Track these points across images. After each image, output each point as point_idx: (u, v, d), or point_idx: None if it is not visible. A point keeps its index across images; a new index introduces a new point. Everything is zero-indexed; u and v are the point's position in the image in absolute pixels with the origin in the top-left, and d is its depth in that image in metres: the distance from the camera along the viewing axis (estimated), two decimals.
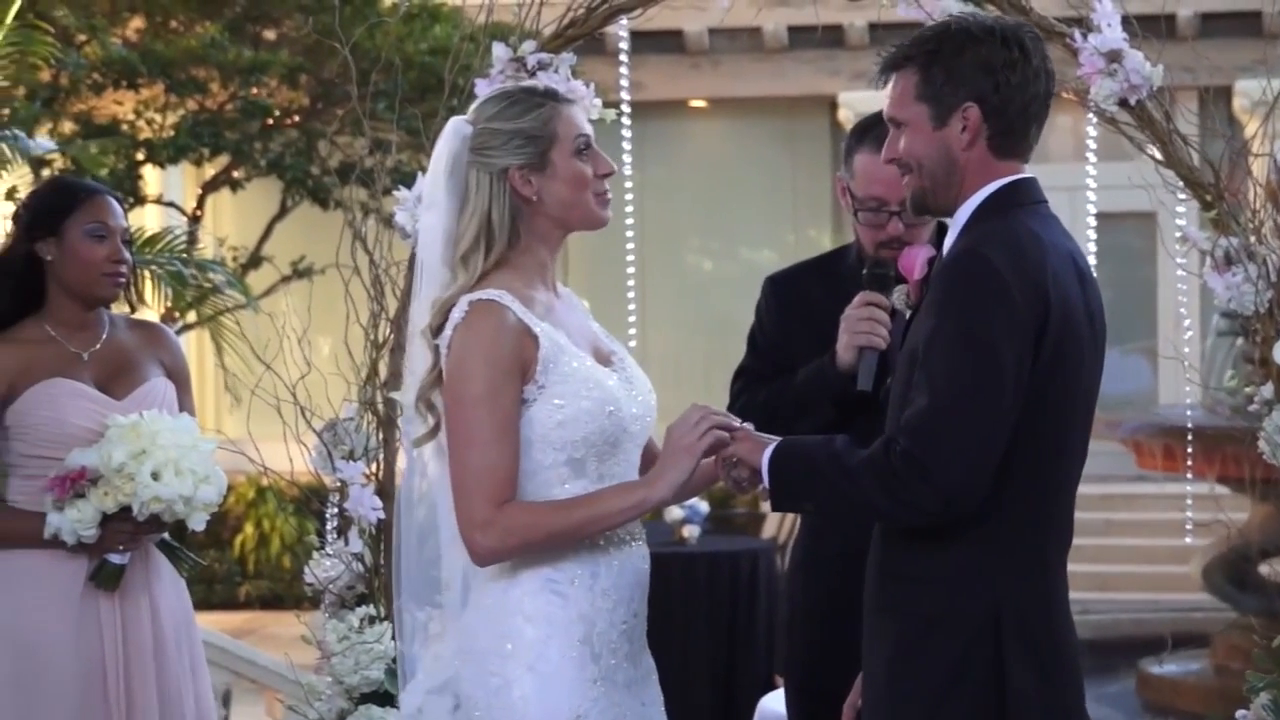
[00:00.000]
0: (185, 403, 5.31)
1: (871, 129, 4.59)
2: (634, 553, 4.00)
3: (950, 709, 3.66)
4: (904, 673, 3.71)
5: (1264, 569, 9.45)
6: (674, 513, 10.64)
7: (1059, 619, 3.77)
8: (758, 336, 4.96)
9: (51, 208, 5.18)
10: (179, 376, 5.34)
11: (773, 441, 3.76)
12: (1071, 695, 3.78)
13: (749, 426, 3.88)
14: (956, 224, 3.79)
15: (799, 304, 4.88)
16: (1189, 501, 12.53)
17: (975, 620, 3.65)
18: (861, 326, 4.50)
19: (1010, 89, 3.71)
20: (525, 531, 3.83)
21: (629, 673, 3.98)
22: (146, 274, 9.06)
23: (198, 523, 5.02)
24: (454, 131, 3.98)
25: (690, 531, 10.61)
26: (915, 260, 4.14)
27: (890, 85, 3.84)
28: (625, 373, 4.03)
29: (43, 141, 9.77)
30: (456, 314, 3.84)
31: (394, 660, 4.69)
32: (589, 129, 4.04)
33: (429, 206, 4.03)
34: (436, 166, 3.99)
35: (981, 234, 3.70)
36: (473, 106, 4.08)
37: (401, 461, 4.63)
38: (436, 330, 3.89)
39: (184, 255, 9.92)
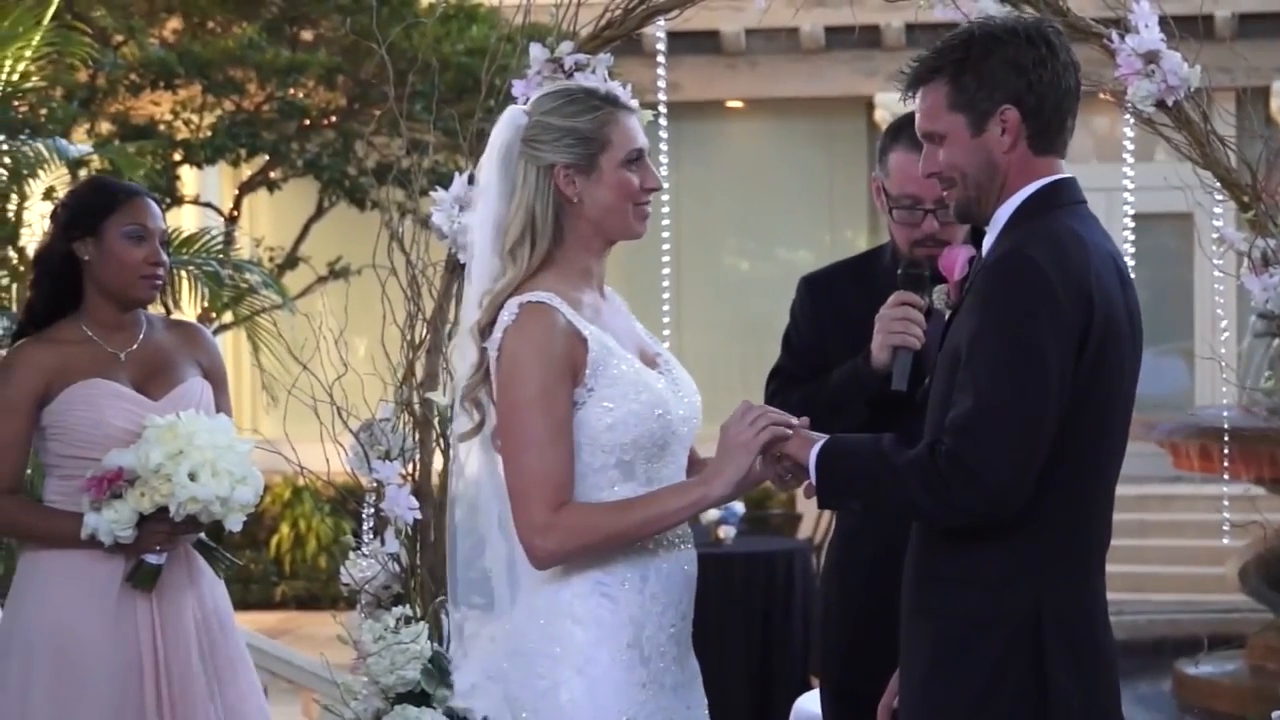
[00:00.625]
0: (222, 403, 5.32)
1: (905, 127, 4.56)
2: (683, 555, 4.01)
3: (991, 711, 3.65)
4: (943, 675, 3.70)
5: None
6: (710, 514, 10.63)
7: (1099, 621, 3.76)
8: (793, 337, 4.95)
9: (91, 208, 5.18)
10: (216, 377, 5.35)
11: (821, 439, 3.76)
12: (1109, 697, 3.78)
13: (804, 422, 3.87)
14: (996, 225, 3.78)
15: (834, 304, 4.87)
16: (1225, 502, 12.47)
17: (1016, 622, 3.65)
18: (896, 326, 4.49)
19: (1044, 85, 3.71)
20: (585, 534, 3.83)
21: (676, 676, 3.98)
22: (183, 274, 9.11)
23: (234, 524, 5.02)
24: (510, 120, 3.97)
25: (726, 532, 10.61)
26: (955, 260, 4.13)
27: (919, 98, 3.82)
28: (671, 375, 4.02)
29: (80, 145, 9.80)
30: (506, 316, 3.83)
31: (430, 660, 4.70)
32: (644, 141, 4.03)
33: (482, 191, 4.02)
34: (491, 153, 3.98)
35: (1025, 234, 3.68)
36: (534, 97, 4.08)
37: (438, 463, 4.65)
38: (485, 330, 3.89)
39: (220, 256, 9.94)
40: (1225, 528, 12.80)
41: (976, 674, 3.66)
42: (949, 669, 3.70)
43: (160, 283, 5.22)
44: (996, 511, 3.57)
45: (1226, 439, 9.32)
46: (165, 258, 5.21)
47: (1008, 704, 3.64)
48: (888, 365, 4.51)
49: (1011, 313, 3.59)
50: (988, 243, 3.80)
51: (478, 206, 4.05)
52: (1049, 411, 3.56)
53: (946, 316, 4.03)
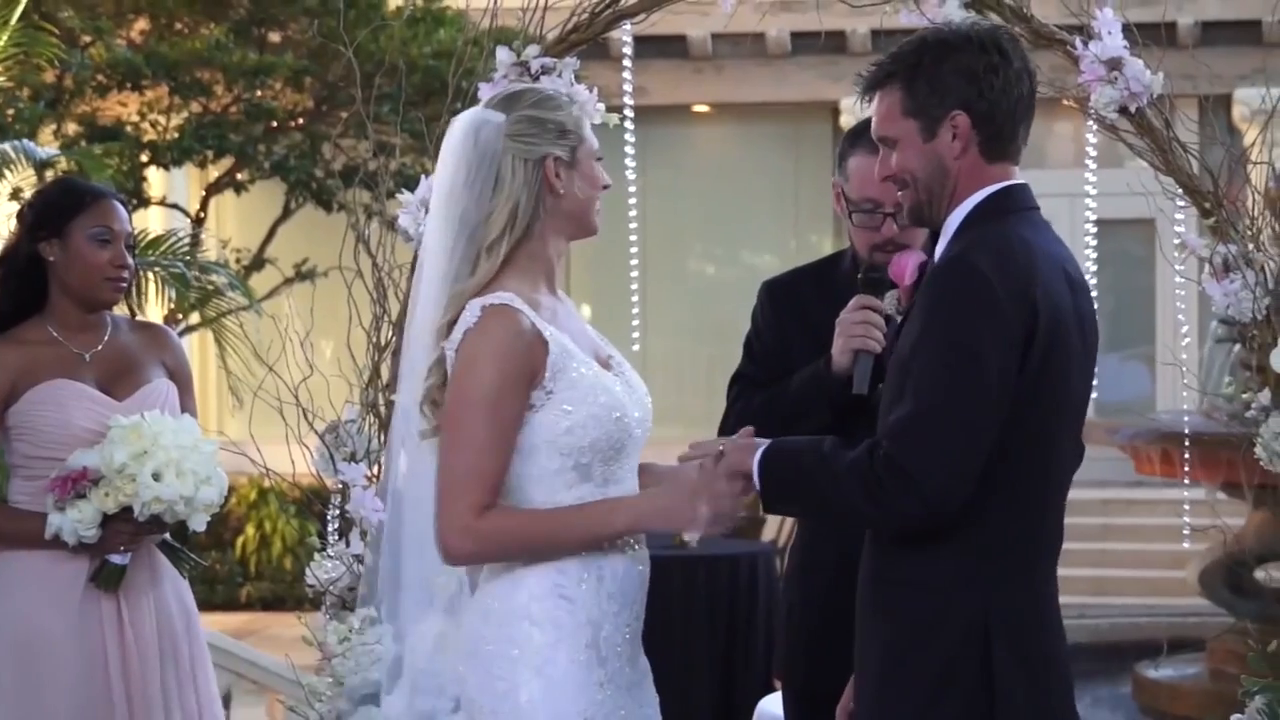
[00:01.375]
0: (187, 404, 5.31)
1: (864, 132, 4.56)
2: (637, 555, 4.01)
3: (940, 712, 3.66)
4: (895, 676, 3.71)
5: (1260, 574, 9.45)
6: None
7: (1049, 624, 3.77)
8: (754, 343, 4.96)
9: (57, 209, 5.18)
10: (181, 377, 5.34)
11: (764, 444, 3.76)
12: (1060, 700, 3.78)
13: (747, 432, 3.88)
14: (947, 231, 3.78)
15: (795, 309, 4.88)
16: (1186, 507, 12.51)
17: (965, 625, 3.65)
18: (856, 330, 4.50)
19: (995, 93, 3.71)
20: (505, 541, 3.85)
21: (629, 675, 3.98)
22: (150, 275, 9.09)
23: (199, 524, 5.02)
24: (484, 119, 3.95)
25: (691, 536, 10.59)
26: (906, 266, 4.15)
27: (875, 103, 3.84)
28: (625, 377, 4.03)
29: (47, 149, 9.78)
30: (469, 316, 3.82)
31: (394, 661, 4.69)
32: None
33: (446, 192, 3.97)
34: (461, 152, 3.95)
35: (971, 241, 3.70)
36: (494, 97, 4.07)
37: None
38: (445, 330, 3.88)
39: (187, 257, 9.92)
40: (1186, 532, 12.82)
41: (926, 677, 3.67)
42: (901, 670, 3.70)
43: (125, 285, 5.22)
44: (933, 515, 3.57)
45: (1188, 444, 9.34)
46: (131, 260, 5.21)
47: (957, 706, 3.65)
48: (848, 369, 4.51)
49: (953, 318, 3.60)
50: (940, 248, 3.80)
51: (435, 206, 4.02)
52: (988, 415, 3.56)
53: (899, 321, 4.04)
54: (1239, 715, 4.87)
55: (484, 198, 3.91)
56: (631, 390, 4.00)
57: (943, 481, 3.54)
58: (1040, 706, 3.70)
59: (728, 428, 4.65)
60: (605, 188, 4.05)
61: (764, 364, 4.87)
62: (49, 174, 8.76)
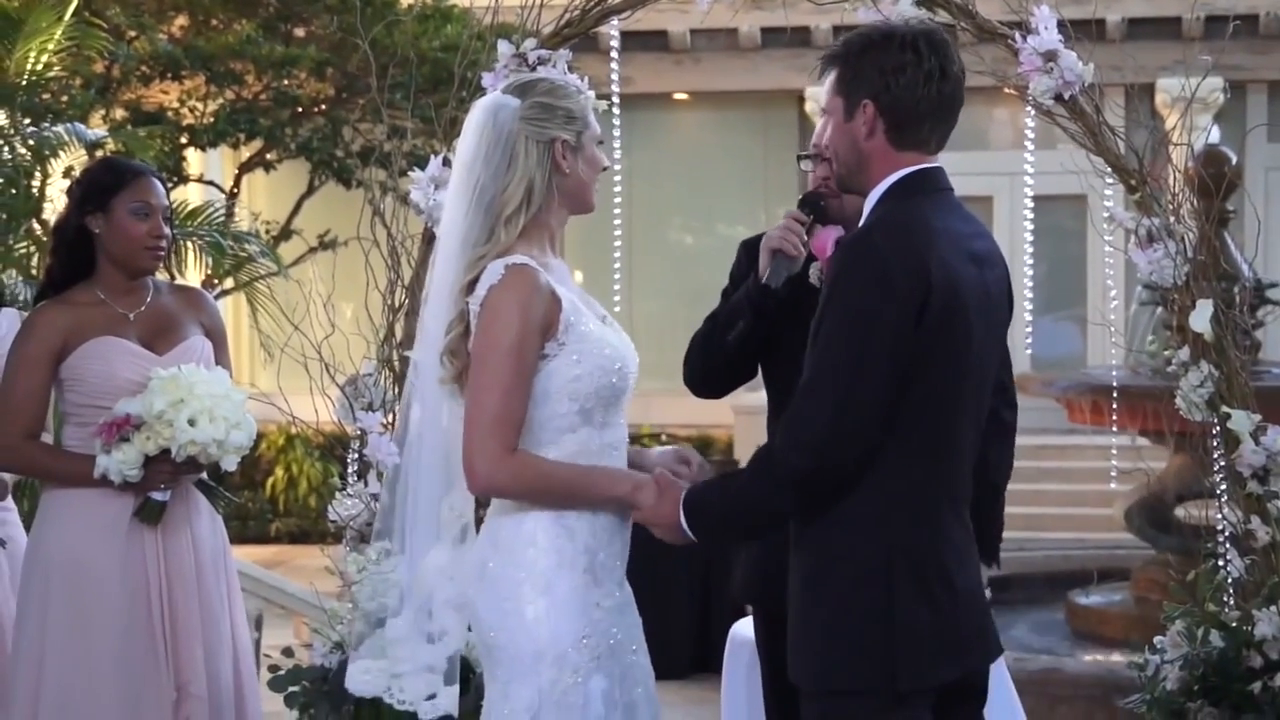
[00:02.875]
0: (222, 359, 5.30)
1: None
2: None
3: (844, 639, 3.67)
4: (810, 601, 3.73)
5: (1179, 512, 9.43)
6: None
7: (951, 561, 3.75)
8: (730, 290, 4.96)
9: (101, 186, 5.17)
10: (216, 335, 5.33)
11: (681, 493, 3.82)
12: (967, 628, 3.78)
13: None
14: (866, 208, 3.82)
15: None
16: (1114, 452, 12.56)
17: (869, 559, 3.65)
18: (776, 233, 4.52)
19: (900, 88, 3.73)
20: (533, 478, 3.85)
21: (619, 597, 3.99)
22: (189, 244, 9.08)
23: (230, 464, 5.02)
24: (503, 103, 3.96)
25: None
26: (827, 240, 4.17)
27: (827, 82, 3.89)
28: (618, 333, 4.04)
29: (96, 130, 9.76)
30: (492, 275, 3.82)
31: None
32: None
33: (465, 165, 3.96)
34: (481, 131, 3.94)
35: (875, 219, 3.75)
36: (512, 84, 4.05)
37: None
38: (468, 288, 3.87)
39: (222, 228, 9.90)
40: (1113, 474, 12.85)
41: (833, 603, 3.68)
42: (814, 597, 3.72)
43: (163, 253, 5.21)
44: (822, 463, 3.59)
45: (1115, 396, 9.35)
46: (168, 231, 5.20)
47: (859, 631, 3.65)
48: (768, 268, 4.52)
49: (850, 288, 3.62)
50: (861, 224, 3.82)
51: (455, 177, 4.00)
52: (878, 375, 3.57)
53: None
54: (1160, 638, 4.88)
55: (499, 172, 3.91)
56: (626, 345, 4.00)
57: (825, 433, 3.57)
58: (944, 633, 3.70)
59: (692, 348, 4.77)
60: (604, 169, 4.06)
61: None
62: (98, 154, 8.72)
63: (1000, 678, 5.00)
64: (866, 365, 3.56)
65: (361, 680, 4.57)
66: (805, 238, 4.56)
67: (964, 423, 3.78)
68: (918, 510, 3.70)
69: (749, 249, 4.96)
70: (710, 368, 4.81)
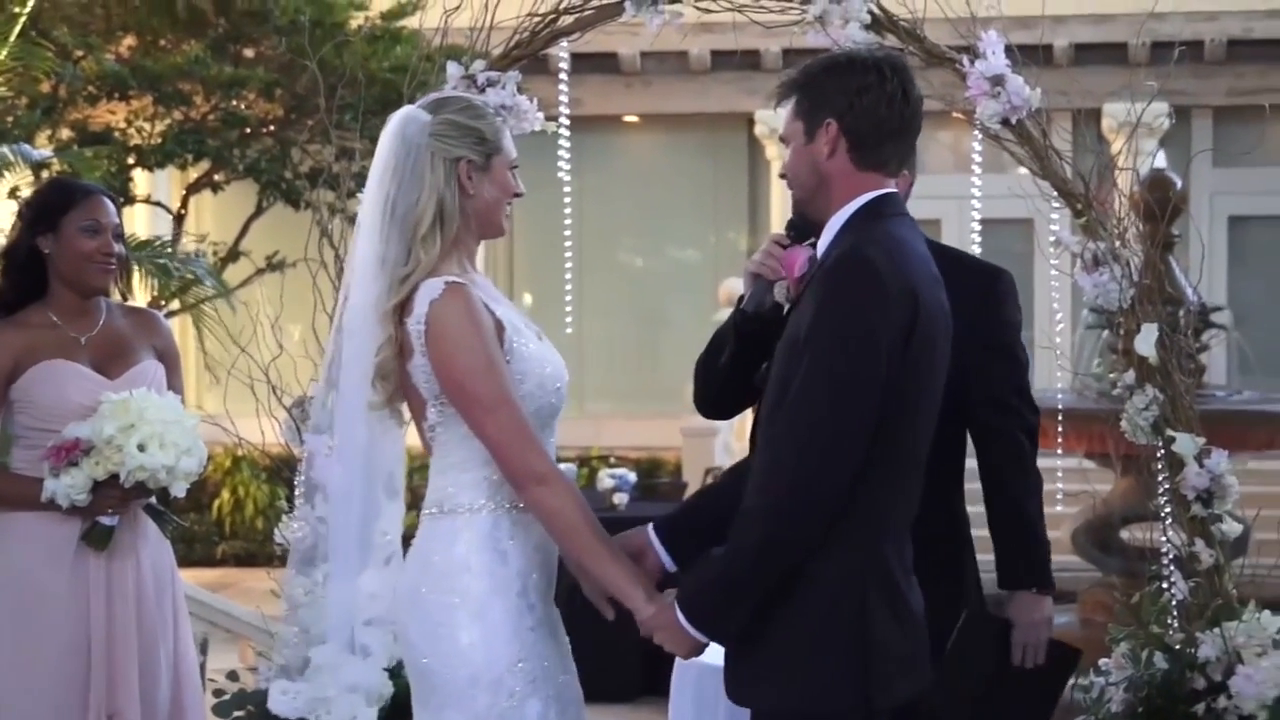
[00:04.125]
0: (174, 382, 5.29)
1: None
2: None
3: (818, 658, 3.64)
4: (778, 623, 3.67)
5: (1125, 534, 9.50)
6: (605, 481, 10.66)
7: (907, 581, 3.76)
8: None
9: (51, 206, 5.16)
10: (169, 358, 5.32)
11: (672, 603, 3.75)
12: (920, 647, 3.79)
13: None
14: (830, 230, 3.81)
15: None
16: (1060, 474, 12.56)
17: (844, 581, 3.63)
18: (757, 257, 4.53)
19: (863, 109, 3.75)
20: (573, 509, 3.82)
21: (551, 618, 3.98)
22: (136, 267, 9.03)
23: (179, 490, 5.00)
24: (413, 117, 3.93)
25: (620, 499, 10.59)
26: (796, 260, 4.18)
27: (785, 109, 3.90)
28: (551, 350, 4.03)
29: (42, 150, 9.71)
30: (430, 293, 3.77)
31: None
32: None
33: (376, 176, 3.92)
34: (389, 142, 3.91)
35: (860, 238, 3.71)
36: (428, 99, 4.03)
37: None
38: (394, 313, 3.83)
39: (169, 250, 9.88)
40: (1059, 496, 12.87)
41: (803, 624, 3.65)
42: (780, 620, 3.67)
43: (114, 269, 5.19)
44: (815, 482, 3.56)
45: (1061, 418, 9.39)
46: (119, 249, 5.19)
47: (832, 653, 3.63)
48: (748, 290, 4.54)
49: (846, 304, 3.60)
50: (822, 246, 3.83)
51: (367, 192, 3.94)
52: (871, 391, 3.55)
53: (786, 309, 4.04)
54: (1106, 659, 4.91)
55: (407, 186, 3.86)
56: (560, 363, 4.00)
57: (817, 453, 3.55)
58: (908, 652, 3.71)
59: (695, 372, 4.68)
60: (517, 195, 4.01)
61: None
62: (44, 174, 8.69)
63: None
64: (861, 385, 3.55)
65: (280, 700, 4.56)
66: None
67: (925, 445, 3.79)
68: (887, 531, 3.70)
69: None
70: (710, 392, 4.80)
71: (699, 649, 3.77)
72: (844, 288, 3.62)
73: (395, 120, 3.94)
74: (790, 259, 4.20)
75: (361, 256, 3.91)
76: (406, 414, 3.97)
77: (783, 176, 4.75)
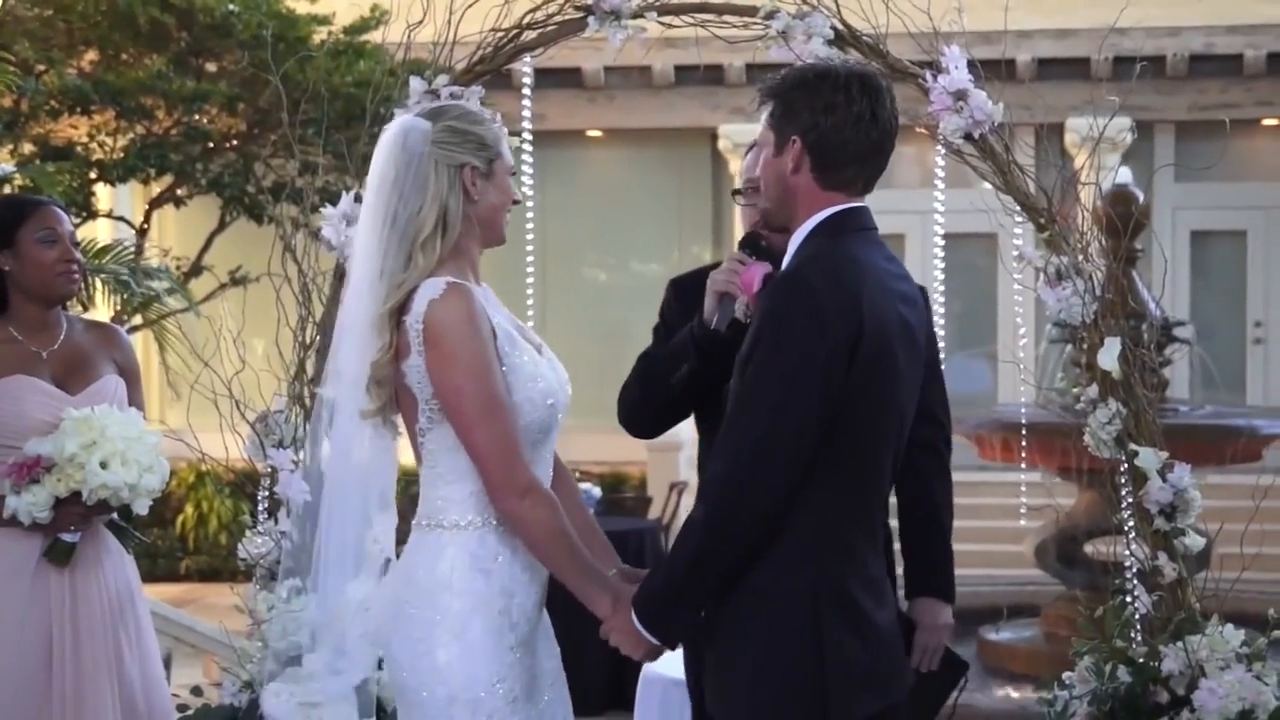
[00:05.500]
0: (135, 397, 5.27)
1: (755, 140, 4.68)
2: None
3: (773, 673, 3.65)
4: (735, 637, 3.70)
5: (1088, 548, 9.53)
6: None
7: (871, 597, 3.77)
8: (661, 329, 4.95)
9: (4, 222, 5.13)
10: (130, 374, 5.30)
11: (628, 606, 3.77)
12: (888, 662, 3.80)
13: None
14: (792, 245, 3.83)
15: (695, 301, 4.88)
16: (1023, 488, 12.63)
17: (795, 596, 3.65)
18: (721, 276, 4.53)
19: (827, 128, 3.76)
20: (553, 523, 3.82)
21: (536, 635, 3.97)
22: (98, 281, 9.00)
23: (141, 507, 4.98)
24: (414, 126, 3.92)
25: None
26: (754, 276, 4.18)
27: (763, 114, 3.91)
28: (553, 365, 4.03)
29: (4, 166, 9.67)
30: (432, 291, 3.77)
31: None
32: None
33: (375, 187, 3.91)
34: (390, 152, 3.91)
35: (806, 256, 3.75)
36: (425, 109, 4.05)
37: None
38: (395, 313, 3.82)
39: (131, 264, 9.84)
40: (1023, 510, 12.92)
41: (758, 639, 3.67)
42: (737, 635, 3.70)
43: (77, 276, 5.18)
44: (745, 495, 3.58)
45: (1025, 433, 9.42)
46: (79, 255, 5.18)
47: (787, 668, 3.65)
48: (714, 311, 4.54)
49: (783, 327, 3.62)
50: (786, 261, 3.84)
51: (366, 204, 3.95)
52: (805, 413, 3.57)
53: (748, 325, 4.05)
54: (1069, 673, 4.91)
55: (409, 195, 3.86)
56: (558, 376, 4.00)
57: (748, 466, 3.57)
58: (872, 668, 3.71)
59: (629, 389, 4.74)
60: (516, 202, 4.03)
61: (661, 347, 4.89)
62: (6, 189, 8.65)
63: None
64: (795, 402, 3.56)
65: (273, 703, 4.54)
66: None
67: (885, 461, 3.79)
68: (840, 546, 3.70)
69: (679, 288, 4.95)
70: (650, 409, 4.79)
71: (654, 652, 3.78)
72: (779, 308, 3.65)
73: (393, 131, 3.93)
74: (749, 276, 4.21)
75: (359, 271, 3.92)
76: (400, 426, 3.97)
77: (735, 194, 4.79)
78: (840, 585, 3.68)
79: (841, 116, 3.74)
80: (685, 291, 4.92)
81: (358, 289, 3.91)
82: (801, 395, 3.56)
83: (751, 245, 4.62)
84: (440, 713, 3.82)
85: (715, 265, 5.10)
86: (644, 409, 4.77)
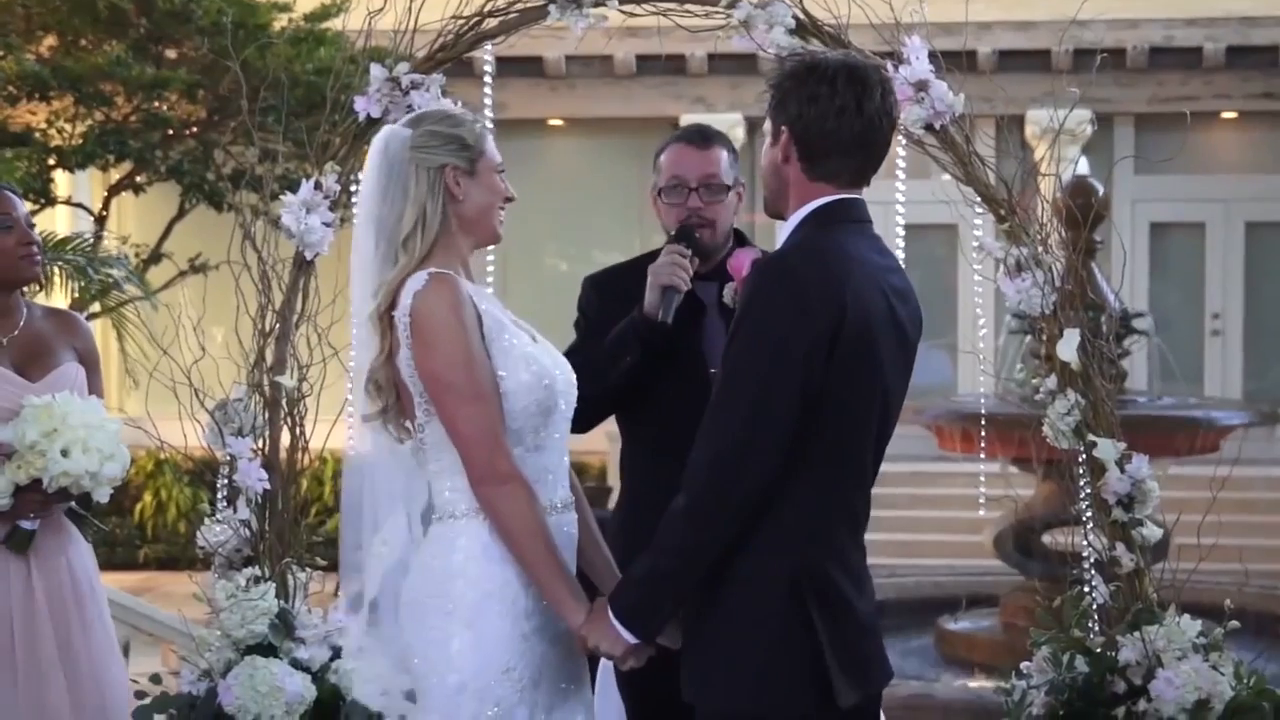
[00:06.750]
0: (95, 385, 5.26)
1: (682, 133, 4.97)
2: (565, 518, 4.04)
3: (750, 661, 3.67)
4: (713, 625, 3.71)
5: (1046, 539, 9.57)
6: None
7: (851, 586, 3.78)
8: (583, 324, 4.99)
9: None
10: (90, 361, 5.29)
11: (604, 605, 3.78)
12: (866, 651, 3.82)
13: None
14: (783, 234, 3.84)
15: (618, 298, 4.89)
16: (982, 479, 12.67)
17: (775, 584, 3.66)
18: (665, 269, 4.55)
19: (810, 119, 3.78)
20: (528, 513, 3.85)
21: (555, 626, 3.97)
22: (56, 269, 8.97)
23: (102, 495, 4.99)
24: (394, 135, 4.01)
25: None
26: (743, 261, 4.20)
27: None
28: (549, 351, 4.05)
29: None
30: (415, 284, 3.83)
31: (277, 616, 4.67)
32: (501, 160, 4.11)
33: (363, 199, 4.01)
34: (375, 163, 4.00)
35: (792, 244, 3.77)
36: (409, 117, 4.13)
37: (286, 439, 4.62)
38: (384, 312, 3.87)
39: (89, 253, 9.81)
40: (982, 501, 12.97)
41: (736, 627, 3.69)
42: (715, 622, 3.71)
43: (39, 258, 5.18)
44: (728, 480, 3.59)
45: (984, 423, 9.45)
46: (37, 238, 5.17)
47: (765, 656, 3.66)
48: (657, 304, 4.55)
49: (765, 311, 3.64)
50: (778, 248, 3.85)
51: (360, 211, 4.05)
52: (787, 397, 3.58)
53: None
54: (1027, 663, 4.93)
55: (394, 203, 3.96)
56: (554, 360, 4.02)
57: (731, 451, 3.59)
58: (845, 659, 3.72)
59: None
60: (509, 200, 4.09)
61: (594, 342, 4.90)
62: None
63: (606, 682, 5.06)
64: (775, 387, 3.58)
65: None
66: (690, 270, 4.62)
67: (868, 451, 3.80)
68: (821, 535, 3.72)
69: (598, 285, 5.02)
70: (589, 403, 4.79)
71: (632, 651, 3.78)
72: (759, 295, 3.67)
73: (378, 140, 4.03)
74: (738, 262, 4.25)
75: (358, 273, 4.01)
76: (411, 429, 4.01)
77: (659, 193, 4.83)
78: (822, 573, 3.70)
79: (824, 108, 3.76)
80: (605, 289, 4.96)
81: (360, 297, 4.01)
82: (783, 378, 3.58)
83: (687, 237, 4.67)
84: (449, 700, 3.87)
85: (633, 262, 5.11)
86: (583, 404, 4.78)
